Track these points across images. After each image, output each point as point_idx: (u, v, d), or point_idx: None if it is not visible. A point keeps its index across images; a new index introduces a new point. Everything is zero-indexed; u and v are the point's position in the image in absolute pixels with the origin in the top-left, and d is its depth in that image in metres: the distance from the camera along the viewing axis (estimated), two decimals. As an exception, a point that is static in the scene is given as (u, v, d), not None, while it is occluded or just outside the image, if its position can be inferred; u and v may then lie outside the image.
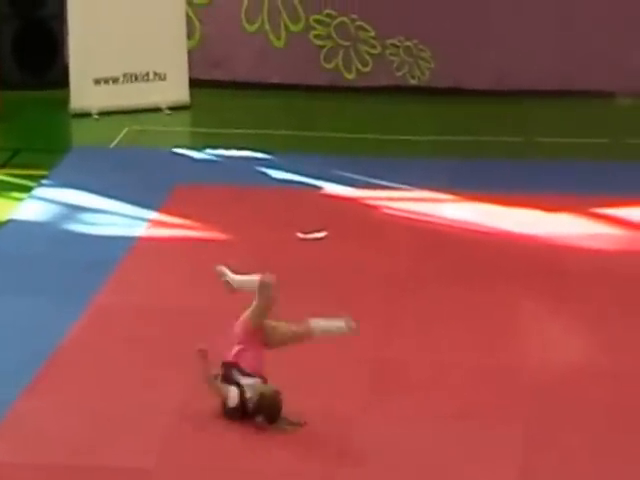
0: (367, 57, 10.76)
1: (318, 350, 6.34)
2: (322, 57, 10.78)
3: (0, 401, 6.19)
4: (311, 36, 10.77)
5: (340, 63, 10.78)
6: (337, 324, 6.06)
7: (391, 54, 10.72)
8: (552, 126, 10.00)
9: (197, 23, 10.82)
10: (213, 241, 8.06)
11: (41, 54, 10.71)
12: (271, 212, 8.47)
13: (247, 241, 8.02)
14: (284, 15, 10.81)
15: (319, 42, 10.78)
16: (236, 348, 6.08)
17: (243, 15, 10.84)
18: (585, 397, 6.24)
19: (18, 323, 7.02)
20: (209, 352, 6.61)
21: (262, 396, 5.94)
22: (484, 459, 5.76)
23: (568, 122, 10.07)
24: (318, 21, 10.79)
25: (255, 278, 6.17)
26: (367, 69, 10.75)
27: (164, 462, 5.79)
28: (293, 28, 10.78)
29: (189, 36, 10.58)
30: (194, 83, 10.47)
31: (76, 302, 7.15)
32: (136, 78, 10.36)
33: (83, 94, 10.23)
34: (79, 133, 10.19)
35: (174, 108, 10.38)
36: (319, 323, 6.09)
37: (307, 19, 10.77)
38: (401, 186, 8.86)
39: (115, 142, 9.83)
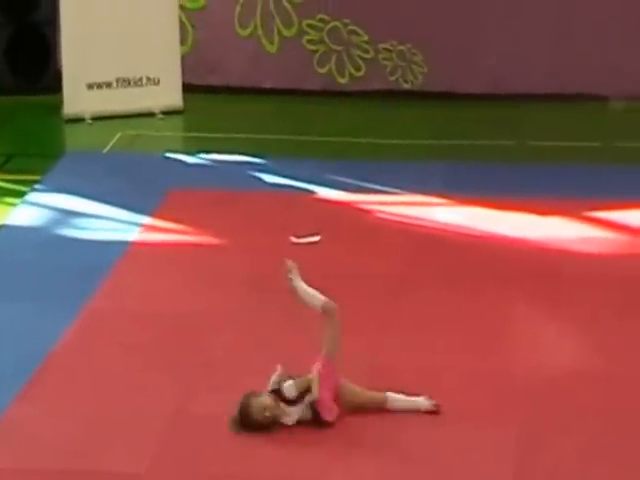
0: (360, 61, 10.78)
1: (311, 354, 6.34)
2: (315, 62, 10.80)
3: (-7, 406, 6.19)
4: (304, 41, 10.79)
5: (333, 68, 10.80)
6: (417, 401, 6.03)
7: (384, 58, 10.74)
8: (546, 130, 10.01)
9: (190, 28, 10.83)
10: (207, 245, 8.06)
11: (34, 59, 10.70)
12: (264, 216, 8.47)
13: (241, 245, 8.02)
14: (277, 20, 10.83)
15: (312, 47, 10.79)
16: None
17: (236, 20, 10.86)
18: (578, 400, 6.24)
19: (11, 328, 7.01)
20: (206, 357, 6.61)
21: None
22: (477, 462, 5.75)
23: (561, 125, 10.09)
24: (311, 26, 10.81)
25: (318, 296, 6.10)
26: (360, 73, 10.77)
27: (156, 467, 5.78)
28: (286, 33, 10.80)
29: (182, 41, 10.58)
30: (187, 88, 10.47)
31: (69, 307, 7.15)
32: (129, 83, 10.37)
33: (76, 99, 10.23)
34: (72, 138, 10.19)
35: (167, 113, 10.38)
36: (397, 398, 6.05)
37: (300, 24, 10.79)
38: (395, 190, 8.87)
39: (108, 147, 9.83)
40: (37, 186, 9.03)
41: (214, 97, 10.63)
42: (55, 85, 10.37)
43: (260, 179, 9.17)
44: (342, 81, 10.79)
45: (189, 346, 6.78)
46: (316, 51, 10.79)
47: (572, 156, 9.48)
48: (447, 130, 10.02)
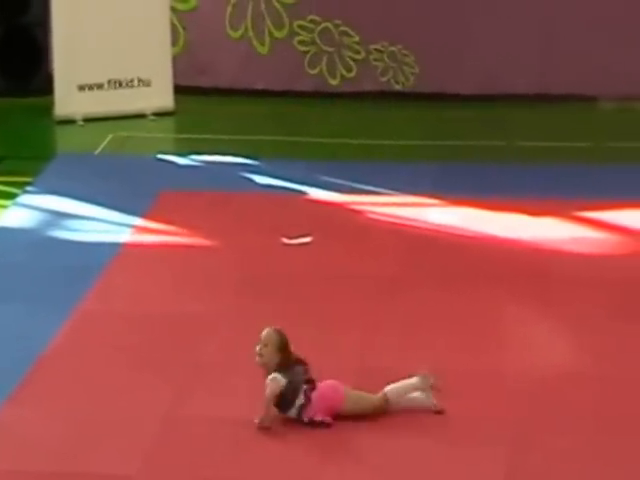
0: (351, 63, 10.78)
1: (303, 354, 6.35)
2: (306, 63, 10.81)
3: (-16, 409, 6.18)
4: (295, 42, 10.79)
5: (324, 69, 10.81)
6: (412, 382, 6.02)
7: (375, 59, 10.75)
8: (536, 130, 10.03)
9: (181, 30, 10.83)
10: (198, 247, 8.06)
11: (25, 61, 10.69)
12: (256, 217, 8.48)
13: (232, 246, 8.02)
14: (268, 21, 10.83)
15: (303, 48, 10.80)
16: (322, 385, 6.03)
17: (227, 21, 10.86)
18: (570, 400, 6.25)
19: (2, 330, 7.00)
20: (198, 358, 6.62)
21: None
22: (469, 463, 5.75)
23: (551, 126, 10.11)
24: (302, 27, 10.82)
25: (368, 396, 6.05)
26: (351, 75, 10.78)
27: (148, 469, 5.77)
28: (277, 34, 10.81)
29: (173, 43, 10.58)
30: (178, 89, 10.47)
31: (60, 309, 7.14)
32: (120, 84, 10.37)
33: (67, 101, 10.22)
34: (64, 140, 10.18)
35: (159, 114, 10.38)
36: (394, 388, 6.03)
37: (291, 25, 10.80)
38: (386, 191, 8.88)
39: (100, 148, 9.82)
40: (29, 188, 9.02)
41: (205, 98, 10.63)
42: (46, 87, 10.36)
43: (251, 180, 9.17)
44: (333, 82, 10.79)
45: (181, 348, 6.78)
46: (307, 52, 10.80)
47: (562, 156, 9.51)
48: (438, 131, 10.03)
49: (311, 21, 10.80)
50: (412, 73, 10.69)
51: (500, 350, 6.74)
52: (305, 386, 5.99)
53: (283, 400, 6.02)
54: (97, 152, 9.77)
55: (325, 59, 10.79)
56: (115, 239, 8.12)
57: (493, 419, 6.10)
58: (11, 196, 8.90)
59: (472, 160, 9.45)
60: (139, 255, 7.94)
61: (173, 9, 10.69)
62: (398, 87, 10.72)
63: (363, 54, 10.74)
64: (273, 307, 7.13)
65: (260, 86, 10.75)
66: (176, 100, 10.43)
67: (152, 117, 10.37)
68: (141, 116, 10.32)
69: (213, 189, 8.94)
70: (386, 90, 10.70)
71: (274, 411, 6.02)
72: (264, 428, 5.98)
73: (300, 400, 5.99)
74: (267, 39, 10.80)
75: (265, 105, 10.59)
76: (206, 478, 5.72)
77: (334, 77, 10.80)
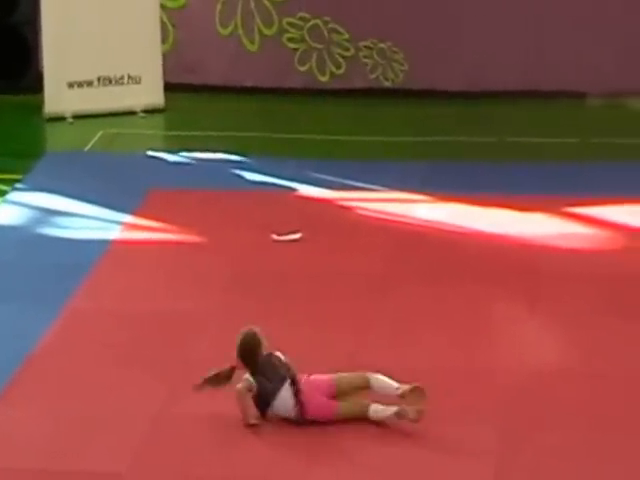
0: (341, 60, 10.79)
1: (293, 352, 6.36)
2: (296, 60, 10.81)
3: (-26, 407, 6.18)
4: (284, 39, 10.80)
5: (314, 66, 10.81)
6: (394, 385, 6.04)
7: (364, 56, 10.76)
8: (524, 127, 10.05)
9: (170, 27, 10.82)
10: (188, 244, 8.07)
11: (14, 59, 10.67)
12: (246, 214, 8.48)
13: (222, 243, 8.02)
14: (257, 19, 10.83)
15: (293, 45, 10.80)
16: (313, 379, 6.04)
17: (217, 19, 10.86)
18: (559, 397, 6.26)
19: (-8, 328, 7.01)
20: (187, 356, 6.61)
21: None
22: (459, 460, 5.76)
23: (540, 123, 10.13)
24: (291, 24, 10.82)
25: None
26: (341, 71, 10.79)
27: (137, 466, 5.78)
28: (266, 31, 10.81)
29: (162, 40, 10.57)
30: (168, 87, 10.47)
31: (50, 307, 7.13)
32: (110, 82, 10.36)
33: (57, 98, 10.21)
34: (53, 137, 10.17)
35: (149, 111, 10.38)
36: (378, 379, 6.07)
37: (280, 22, 10.80)
38: (375, 187, 8.89)
39: (89, 146, 9.82)
40: (18, 185, 9.01)
41: (195, 96, 10.63)
42: (36, 84, 10.34)
43: (241, 177, 9.17)
44: (323, 79, 10.80)
45: (171, 345, 6.78)
46: (297, 49, 10.80)
47: (551, 153, 9.53)
48: (427, 127, 10.04)
49: (300, 18, 10.80)
50: (401, 70, 10.70)
51: (489, 346, 6.75)
52: (290, 388, 5.99)
53: (259, 400, 6.04)
54: (87, 149, 9.76)
55: (314, 56, 10.80)
56: (105, 236, 8.12)
57: (483, 415, 6.11)
58: (1, 193, 8.89)
59: (461, 157, 9.46)
60: (129, 253, 7.94)
61: (163, 6, 10.67)
62: (387, 84, 10.73)
63: (352, 51, 10.75)
64: (263, 304, 7.14)
65: (250, 83, 10.75)
66: (166, 97, 10.42)
67: (142, 114, 10.36)
68: (131, 113, 10.31)
69: (203, 186, 8.94)
70: (375, 87, 10.71)
71: (254, 409, 6.02)
72: (250, 426, 5.99)
73: (290, 402, 5.99)
74: (257, 36, 10.80)
75: (255, 102, 10.59)
76: (196, 476, 5.73)
77: (323, 74, 10.80)
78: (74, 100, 10.22)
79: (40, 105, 10.26)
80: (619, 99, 10.33)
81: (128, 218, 8.39)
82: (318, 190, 8.88)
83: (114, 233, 8.17)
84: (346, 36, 10.74)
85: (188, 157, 9.57)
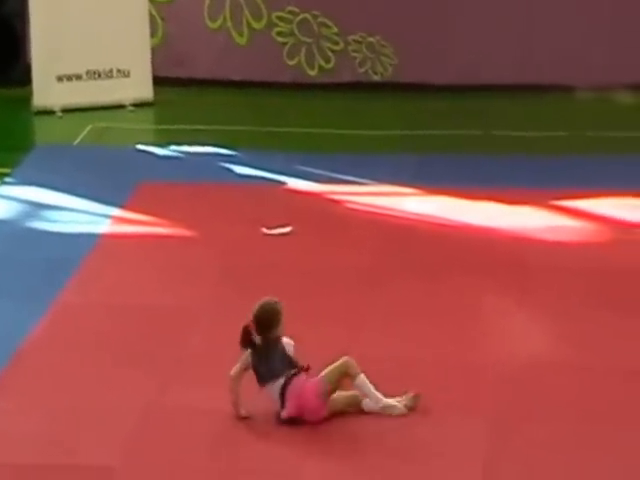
0: (330, 53, 10.79)
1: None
2: (285, 54, 10.81)
3: (-36, 401, 6.17)
4: (274, 33, 10.79)
5: (303, 60, 10.81)
6: (378, 395, 6.01)
7: (353, 50, 10.76)
8: (514, 120, 10.07)
9: (159, 21, 10.80)
10: (177, 237, 8.06)
11: (3, 52, 10.64)
12: (235, 208, 8.48)
13: (211, 237, 8.02)
14: (246, 12, 10.83)
15: (282, 39, 10.80)
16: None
17: (205, 12, 10.84)
18: (548, 389, 6.29)
19: (-18, 322, 7.00)
20: (178, 349, 6.61)
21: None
22: (448, 452, 5.79)
23: (529, 116, 10.15)
24: (280, 18, 10.82)
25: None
26: (330, 65, 10.79)
27: (129, 460, 5.78)
28: (255, 25, 10.80)
29: (151, 34, 10.56)
30: (157, 80, 10.45)
31: (39, 301, 7.12)
32: (99, 75, 10.34)
33: (46, 92, 10.19)
34: (42, 131, 10.14)
35: (138, 105, 10.36)
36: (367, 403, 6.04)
37: (269, 16, 10.79)
38: (365, 181, 8.90)
39: (78, 139, 9.80)
40: (7, 179, 8.99)
41: (184, 89, 10.62)
42: (24, 78, 10.31)
43: (231, 171, 9.17)
44: (312, 73, 10.80)
45: (161, 339, 6.78)
46: (286, 43, 10.80)
47: (540, 146, 9.55)
48: (417, 121, 10.05)
49: (289, 12, 10.80)
50: (390, 64, 10.71)
51: (479, 339, 6.77)
52: (279, 388, 5.98)
53: (258, 374, 6.00)
54: (76, 143, 9.74)
55: (304, 50, 10.80)
56: (94, 230, 8.10)
57: (472, 407, 6.13)
58: (-11, 187, 8.88)
59: (450, 150, 9.48)
60: (118, 246, 7.93)
61: (151, 0, 10.66)
62: (376, 78, 10.74)
63: (341, 45, 10.75)
64: (253, 298, 7.12)
65: (238, 77, 10.74)
66: (155, 91, 10.41)
67: (131, 108, 10.34)
68: (120, 107, 10.30)
69: (192, 180, 8.93)
70: (364, 81, 10.72)
71: (240, 398, 5.99)
72: (242, 419, 6.00)
73: (276, 398, 5.99)
74: (245, 30, 10.80)
75: (244, 96, 10.58)
76: (188, 469, 5.73)
77: (312, 68, 10.80)
78: (63, 94, 10.20)
79: (29, 98, 10.23)
80: (608, 93, 10.37)
81: (117, 212, 8.38)
82: (307, 184, 8.89)
83: (103, 227, 8.16)
84: (335, 30, 10.75)
85: (177, 151, 9.56)
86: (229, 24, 10.81)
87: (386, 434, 5.90)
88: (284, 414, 5.96)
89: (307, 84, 10.73)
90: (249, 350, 6.04)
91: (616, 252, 7.79)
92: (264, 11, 10.80)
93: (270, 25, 10.78)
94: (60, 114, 10.21)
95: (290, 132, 9.90)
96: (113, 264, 7.69)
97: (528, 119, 10.08)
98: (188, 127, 10.00)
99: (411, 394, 6.06)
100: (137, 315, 7.02)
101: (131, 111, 10.31)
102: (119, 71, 10.36)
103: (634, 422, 5.99)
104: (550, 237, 7.98)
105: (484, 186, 8.66)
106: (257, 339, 6.02)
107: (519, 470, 5.67)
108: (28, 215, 8.43)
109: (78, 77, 10.29)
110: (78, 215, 8.39)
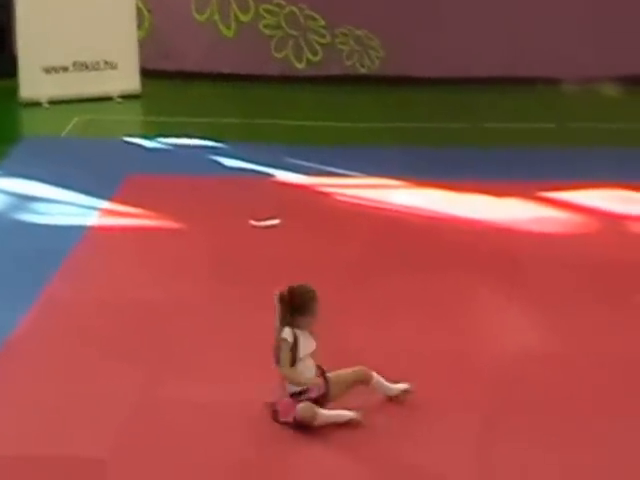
0: (317, 46, 10.80)
1: (272, 338, 6.37)
2: (272, 47, 10.80)
3: (-48, 393, 6.14)
4: (261, 26, 10.79)
5: (290, 52, 10.81)
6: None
7: (341, 43, 10.77)
8: (501, 113, 10.10)
9: (146, 13, 10.78)
10: (165, 230, 8.05)
11: (-12, 44, 10.62)
12: (224, 200, 8.47)
13: (200, 229, 8.01)
14: (234, 5, 10.82)
15: (269, 32, 10.80)
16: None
17: (193, 5, 10.83)
18: (539, 381, 6.29)
19: (-32, 314, 6.96)
20: (166, 341, 6.60)
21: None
22: (441, 444, 5.79)
23: (516, 109, 10.18)
24: (268, 11, 10.81)
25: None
26: (317, 58, 10.80)
27: (119, 452, 5.76)
28: (243, 18, 10.79)
29: (138, 26, 10.54)
30: (144, 73, 10.43)
31: (27, 293, 7.09)
32: (87, 67, 10.31)
33: (33, 83, 10.15)
34: (29, 123, 10.11)
35: (125, 97, 10.34)
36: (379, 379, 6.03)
37: (257, 9, 10.79)
38: (353, 173, 8.91)
39: (66, 131, 9.77)
40: (-6, 171, 8.98)
41: (171, 82, 10.60)
42: (11, 69, 10.27)
43: (219, 163, 9.16)
44: (299, 66, 10.80)
45: (149, 331, 6.76)
46: (273, 36, 10.80)
47: (526, 138, 9.58)
48: (404, 114, 10.07)
49: (277, 5, 10.80)
50: (377, 57, 10.72)
51: (469, 331, 6.78)
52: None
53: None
54: (63, 135, 9.71)
55: (291, 43, 10.80)
56: (82, 222, 8.08)
57: (464, 400, 6.13)
58: (-24, 180, 8.84)
59: (438, 143, 9.50)
60: (106, 238, 7.91)
61: (138, -8, 10.65)
62: (363, 70, 10.75)
63: (329, 38, 10.76)
64: (242, 290, 7.14)
65: (226, 70, 10.74)
66: (142, 83, 10.39)
67: (118, 100, 10.32)
68: (107, 99, 10.27)
69: (180, 172, 8.92)
70: (351, 74, 10.73)
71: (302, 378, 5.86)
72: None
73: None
74: (233, 23, 10.79)
75: (231, 88, 10.57)
76: (178, 460, 5.72)
77: (300, 61, 10.80)
78: (50, 85, 10.17)
79: (15, 90, 10.20)
80: (593, 85, 10.41)
81: (105, 204, 8.35)
82: (295, 176, 8.89)
83: (91, 219, 8.14)
84: (322, 23, 10.75)
85: (165, 143, 9.54)
86: (216, 17, 10.80)
87: (377, 427, 5.90)
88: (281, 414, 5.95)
89: (295, 77, 10.73)
90: (287, 329, 5.91)
91: (604, 244, 7.82)
92: (251, 4, 10.79)
93: (257, 18, 10.78)
94: (47, 106, 10.18)
95: (278, 125, 9.90)
96: (101, 256, 7.67)
97: (515, 111, 10.10)
98: (176, 119, 9.98)
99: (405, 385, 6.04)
100: (125, 307, 7.00)
101: (118, 103, 10.29)
102: (106, 63, 10.33)
103: (625, 413, 6.01)
104: (538, 229, 8.01)
105: (472, 178, 8.68)
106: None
107: (512, 462, 5.68)
108: (15, 207, 8.39)
109: (65, 69, 10.26)
110: (66, 207, 8.36)
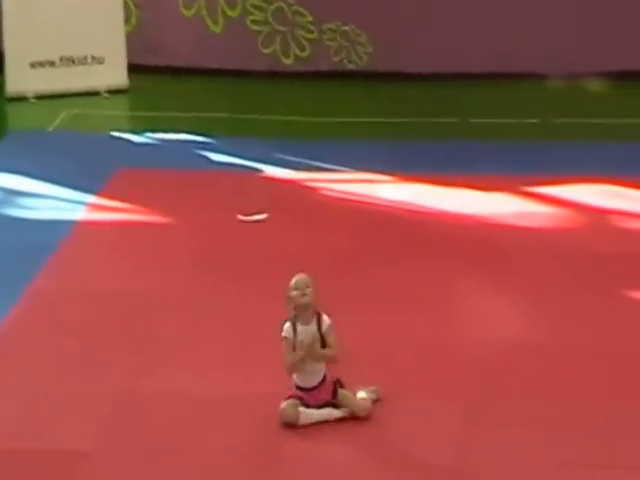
0: (305, 42, 10.81)
1: (260, 332, 6.39)
2: (260, 42, 10.81)
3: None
4: (248, 21, 10.79)
5: (278, 48, 10.82)
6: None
7: (328, 39, 10.78)
8: (487, 108, 10.13)
9: (133, 7, 10.77)
10: (153, 224, 8.06)
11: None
12: (212, 195, 8.48)
13: (187, 224, 8.02)
14: (221, 0, 10.81)
15: (256, 27, 10.80)
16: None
17: (180, 0, 10.82)
18: (524, 371, 6.33)
19: (-45, 308, 6.95)
20: (153, 335, 6.61)
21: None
22: (423, 435, 5.82)
23: (502, 104, 10.21)
24: (255, 6, 10.81)
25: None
26: (305, 54, 10.80)
27: (103, 444, 5.77)
28: (230, 13, 10.79)
29: (125, 21, 10.52)
30: (131, 67, 10.43)
31: (14, 287, 7.09)
32: (74, 62, 10.29)
33: (19, 78, 10.13)
34: (16, 117, 10.09)
35: (112, 92, 10.33)
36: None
37: (244, 4, 10.79)
38: (341, 168, 8.93)
39: (53, 126, 9.76)
40: (-20, 166, 8.96)
41: (158, 77, 10.59)
42: (-3, 64, 10.27)
43: (207, 158, 9.17)
44: (287, 62, 10.81)
45: (137, 325, 6.78)
46: (260, 32, 10.80)
47: (512, 133, 9.62)
48: (391, 109, 10.10)
49: (264, 0, 10.80)
50: (365, 52, 10.73)
51: (456, 323, 6.81)
52: None
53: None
54: (50, 130, 9.70)
55: (279, 39, 10.80)
56: (70, 217, 8.08)
57: (450, 391, 6.16)
58: (-37, 175, 8.83)
59: (425, 137, 9.52)
60: (94, 233, 7.91)
61: (125, -14, 10.64)
62: (351, 66, 10.76)
63: (316, 34, 10.77)
64: (229, 284, 7.16)
65: (213, 65, 10.73)
66: (130, 78, 10.38)
67: (106, 95, 10.31)
68: (95, 94, 10.27)
69: (168, 167, 8.93)
70: (339, 69, 10.74)
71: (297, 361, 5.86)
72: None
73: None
74: (220, 18, 10.78)
75: (219, 84, 10.57)
76: (164, 452, 5.73)
77: (288, 56, 10.81)
78: (36, 80, 10.14)
79: (2, 85, 10.18)
80: (579, 80, 10.46)
81: (93, 199, 8.36)
82: (283, 171, 8.90)
83: (79, 214, 8.14)
84: (310, 19, 10.76)
85: (153, 138, 9.55)
86: (204, 12, 10.79)
87: (360, 420, 5.91)
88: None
89: (282, 72, 10.74)
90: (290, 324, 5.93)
91: (589, 237, 7.87)
92: (239, -1, 10.80)
93: (245, 13, 10.78)
94: (34, 100, 10.16)
95: (266, 120, 9.91)
96: (89, 250, 7.67)
97: (501, 106, 10.14)
98: (163, 114, 9.99)
99: (372, 387, 6.04)
100: (113, 301, 7.01)
101: (106, 98, 10.28)
102: (93, 58, 10.32)
103: (610, 403, 6.06)
104: (524, 223, 8.05)
105: (459, 173, 8.72)
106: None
107: (495, 452, 5.71)
108: (2, 202, 8.39)
109: (52, 64, 10.24)
110: (53, 202, 8.36)
